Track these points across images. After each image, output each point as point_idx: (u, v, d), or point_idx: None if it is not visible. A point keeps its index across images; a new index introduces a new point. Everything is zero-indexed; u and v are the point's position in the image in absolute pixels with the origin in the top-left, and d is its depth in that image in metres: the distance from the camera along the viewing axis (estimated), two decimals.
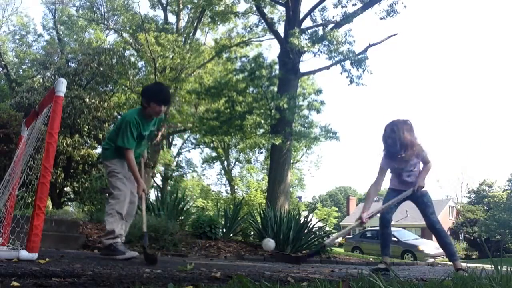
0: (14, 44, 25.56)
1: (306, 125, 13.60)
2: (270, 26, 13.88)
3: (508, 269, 1.73)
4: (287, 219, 6.62)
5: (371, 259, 8.22)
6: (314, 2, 12.90)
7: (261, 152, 21.24)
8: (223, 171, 29.70)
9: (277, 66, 12.86)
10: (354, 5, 12.40)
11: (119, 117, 15.41)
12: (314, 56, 12.18)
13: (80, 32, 24.64)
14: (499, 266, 1.80)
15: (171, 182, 26.90)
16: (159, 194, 8.61)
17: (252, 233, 7.70)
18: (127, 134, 3.44)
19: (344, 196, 62.25)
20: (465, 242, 32.37)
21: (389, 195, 3.92)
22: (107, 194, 3.61)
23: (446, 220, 34.77)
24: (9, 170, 3.50)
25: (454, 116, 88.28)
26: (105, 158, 3.65)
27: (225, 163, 29.23)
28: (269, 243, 4.21)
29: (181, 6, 21.91)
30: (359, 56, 12.04)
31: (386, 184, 4.11)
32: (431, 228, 3.79)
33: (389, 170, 3.89)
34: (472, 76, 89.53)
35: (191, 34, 21.66)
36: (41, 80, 15.69)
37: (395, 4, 12.28)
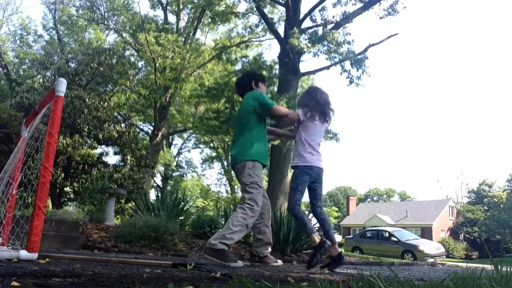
0: (14, 44, 25.58)
1: None
2: (270, 26, 13.88)
3: (508, 269, 1.72)
4: (287, 219, 6.60)
5: (371, 259, 8.21)
6: (314, 2, 12.93)
7: None
8: (223, 171, 29.71)
9: (277, 66, 12.87)
10: (354, 4, 12.42)
11: (119, 117, 15.35)
12: (314, 56, 12.21)
13: (80, 32, 24.65)
14: (499, 266, 1.79)
15: (171, 182, 26.92)
16: (159, 194, 8.57)
17: (252, 233, 7.68)
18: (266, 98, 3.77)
19: (344, 196, 62.21)
20: (465, 242, 32.36)
21: None
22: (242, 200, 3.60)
23: (446, 220, 34.64)
24: (6, 167, 3.49)
25: (454, 116, 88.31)
26: (240, 159, 3.63)
27: (225, 163, 29.25)
28: None
29: (181, 6, 21.95)
30: (359, 57, 12.04)
31: None
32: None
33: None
34: (472, 76, 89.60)
35: (191, 34, 21.70)
36: (41, 80, 15.66)
37: (395, 5, 12.31)
